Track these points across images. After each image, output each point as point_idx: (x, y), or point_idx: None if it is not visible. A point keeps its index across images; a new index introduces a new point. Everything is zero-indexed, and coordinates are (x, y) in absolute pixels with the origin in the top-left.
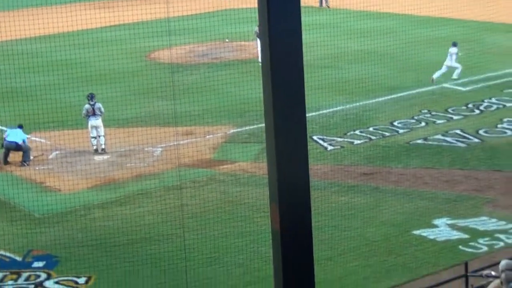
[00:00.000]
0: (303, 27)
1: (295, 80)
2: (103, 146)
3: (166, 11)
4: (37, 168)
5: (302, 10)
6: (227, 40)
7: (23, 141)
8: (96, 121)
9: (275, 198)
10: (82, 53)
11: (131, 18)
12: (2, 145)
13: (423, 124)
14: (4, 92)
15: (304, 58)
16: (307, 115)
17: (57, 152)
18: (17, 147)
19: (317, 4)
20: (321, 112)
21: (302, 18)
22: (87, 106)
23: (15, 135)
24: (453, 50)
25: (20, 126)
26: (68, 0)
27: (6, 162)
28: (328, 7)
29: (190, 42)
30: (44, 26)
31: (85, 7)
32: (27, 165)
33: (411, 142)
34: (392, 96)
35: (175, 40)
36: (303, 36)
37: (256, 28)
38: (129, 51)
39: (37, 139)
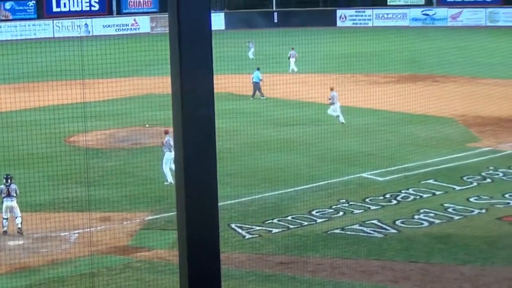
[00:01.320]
0: (223, 114)
1: (208, 169)
2: (19, 226)
3: (83, 96)
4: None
5: (221, 97)
6: (147, 126)
7: None
8: (11, 203)
9: None
10: (0, 135)
11: (52, 101)
12: None
13: (341, 213)
14: None
15: (224, 145)
16: (226, 202)
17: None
18: None
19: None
20: (240, 200)
21: (223, 106)
22: (2, 187)
23: None
24: None
25: None
26: None
27: None
28: (262, 96)
29: (110, 126)
30: None
31: (5, 89)
32: None
33: (329, 232)
34: (311, 185)
35: (96, 124)
36: (224, 124)
37: (166, 139)
38: (48, 135)
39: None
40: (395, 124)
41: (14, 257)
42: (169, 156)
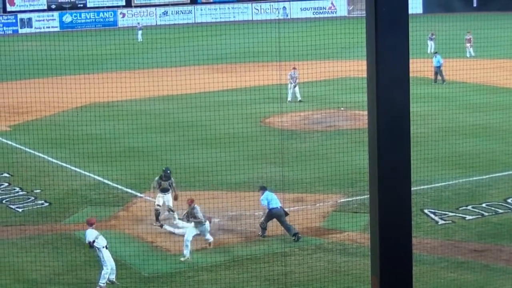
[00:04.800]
0: (418, 99)
1: (402, 153)
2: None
3: (279, 78)
4: (148, 227)
5: (417, 82)
6: (342, 109)
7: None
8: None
9: (376, 271)
10: (199, 115)
11: (249, 83)
12: (270, 216)
13: None
14: (122, 151)
15: (419, 130)
16: (419, 187)
17: (168, 212)
18: (285, 213)
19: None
20: (433, 185)
21: (417, 90)
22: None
23: (275, 199)
24: None
25: (264, 188)
26: (188, 63)
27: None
28: (444, 81)
29: (305, 108)
30: (164, 87)
31: (204, 70)
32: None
33: None
34: (508, 172)
35: (291, 106)
36: (418, 108)
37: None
38: (245, 116)
39: (149, 198)
40: None
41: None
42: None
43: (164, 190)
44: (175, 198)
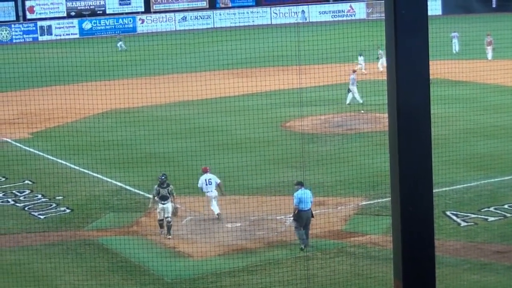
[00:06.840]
0: (439, 101)
1: (422, 155)
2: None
3: (299, 82)
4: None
5: (437, 83)
6: (362, 112)
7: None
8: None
9: (399, 275)
10: (220, 120)
11: (268, 87)
12: (299, 218)
13: None
14: (143, 157)
15: (439, 132)
16: (441, 189)
17: (190, 217)
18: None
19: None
20: (455, 187)
21: (438, 92)
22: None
23: (308, 199)
24: None
25: (300, 184)
26: (207, 68)
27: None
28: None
29: (326, 112)
30: (184, 93)
31: (224, 75)
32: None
33: None
34: None
35: (312, 109)
36: (439, 110)
37: None
38: (265, 120)
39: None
40: None
41: (232, 239)
42: None
43: (163, 198)
44: (175, 213)
